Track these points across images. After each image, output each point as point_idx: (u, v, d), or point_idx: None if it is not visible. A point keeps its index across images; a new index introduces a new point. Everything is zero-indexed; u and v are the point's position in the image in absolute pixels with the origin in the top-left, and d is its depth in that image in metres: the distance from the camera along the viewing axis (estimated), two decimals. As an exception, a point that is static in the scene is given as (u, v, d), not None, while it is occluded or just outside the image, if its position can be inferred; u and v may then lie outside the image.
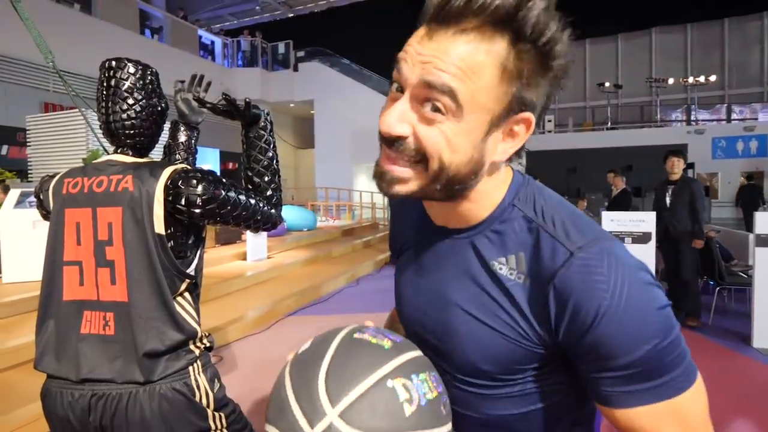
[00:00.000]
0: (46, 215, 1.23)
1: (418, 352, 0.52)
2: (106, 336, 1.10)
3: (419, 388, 0.47)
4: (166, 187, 1.09)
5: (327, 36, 18.24)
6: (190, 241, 1.19)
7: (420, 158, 0.49)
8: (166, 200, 1.09)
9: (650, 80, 16.84)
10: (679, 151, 4.33)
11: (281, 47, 14.99)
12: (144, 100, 1.16)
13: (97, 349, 1.10)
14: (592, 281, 0.48)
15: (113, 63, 1.16)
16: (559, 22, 0.47)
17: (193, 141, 1.49)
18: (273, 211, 1.28)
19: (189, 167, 1.14)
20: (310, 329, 4.18)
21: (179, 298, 1.16)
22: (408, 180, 0.51)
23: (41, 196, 1.23)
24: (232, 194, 1.14)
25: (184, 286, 1.15)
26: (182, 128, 1.47)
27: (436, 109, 0.47)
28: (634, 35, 20.12)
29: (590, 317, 0.47)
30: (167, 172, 1.10)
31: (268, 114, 1.32)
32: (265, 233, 6.51)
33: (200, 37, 13.46)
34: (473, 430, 0.61)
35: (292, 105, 15.39)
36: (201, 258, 1.25)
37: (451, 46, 0.46)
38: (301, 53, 15.11)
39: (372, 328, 0.56)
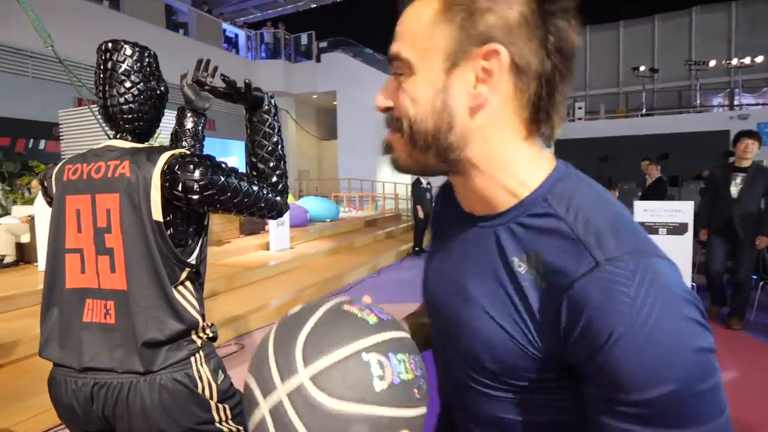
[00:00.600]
0: (50, 202, 1.21)
1: (403, 334, 0.52)
2: (107, 325, 1.08)
3: (395, 367, 0.47)
4: (163, 173, 1.04)
5: (349, 26, 18.11)
6: (190, 229, 1.15)
7: (399, 125, 0.51)
8: (163, 186, 1.05)
9: (689, 63, 15.98)
10: (755, 132, 3.73)
11: (304, 38, 14.97)
12: (142, 83, 1.12)
13: (99, 338, 1.08)
14: (613, 298, 0.41)
15: (109, 45, 1.12)
16: None
17: (200, 128, 1.45)
18: (278, 198, 1.23)
19: (187, 152, 1.10)
20: (331, 319, 4.18)
21: (180, 287, 1.12)
22: (396, 148, 0.53)
23: (45, 183, 1.21)
24: (232, 180, 1.09)
25: (184, 275, 1.11)
26: (189, 114, 1.43)
27: (398, 75, 0.51)
28: (671, 15, 19.06)
29: (602, 338, 0.41)
30: (164, 157, 1.06)
31: (272, 97, 1.26)
32: (287, 223, 6.57)
33: (224, 30, 13.60)
34: (479, 429, 0.58)
35: (314, 96, 15.39)
36: (204, 247, 1.21)
37: (402, 17, 0.51)
38: (323, 44, 15.05)
39: (362, 302, 0.56)
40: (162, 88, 1.19)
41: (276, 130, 1.25)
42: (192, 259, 1.14)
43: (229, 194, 1.09)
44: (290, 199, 9.25)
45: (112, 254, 1.07)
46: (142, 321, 1.05)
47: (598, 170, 11.97)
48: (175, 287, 1.11)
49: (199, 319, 1.14)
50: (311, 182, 15.89)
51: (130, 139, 1.15)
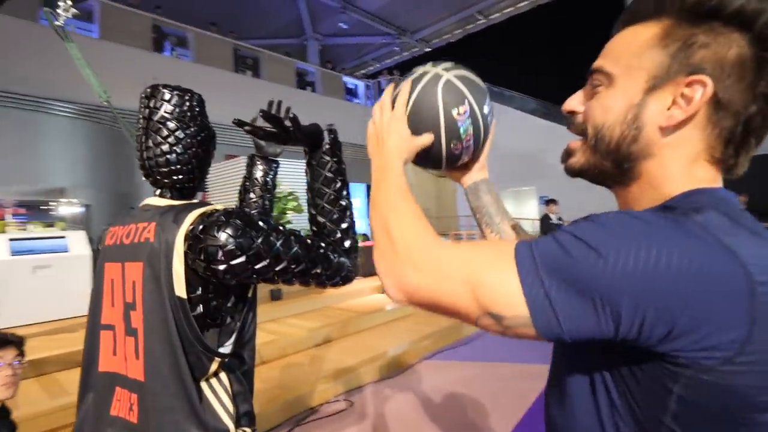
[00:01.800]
0: None
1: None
2: (129, 423, 0.86)
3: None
4: (186, 237, 0.82)
5: (464, 63, 18.11)
6: (228, 305, 0.89)
7: (584, 128, 0.57)
8: (186, 253, 0.81)
9: None
10: None
11: (419, 80, 15.26)
12: (180, 131, 0.94)
13: None
14: None
15: (148, 91, 0.96)
16: None
17: (269, 177, 1.24)
18: (343, 259, 0.93)
19: (218, 209, 0.86)
20: (447, 378, 3.69)
21: (211, 382, 0.86)
22: (575, 151, 0.59)
23: (99, 247, 1.08)
24: (272, 242, 0.82)
25: (214, 366, 0.85)
26: (258, 162, 1.23)
27: (596, 86, 0.56)
28: None
29: None
30: (192, 216, 0.84)
31: (332, 133, 0.99)
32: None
33: (345, 83, 14.59)
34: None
35: (432, 135, 15.42)
36: (249, 325, 0.94)
37: (614, 38, 0.56)
38: (438, 83, 15.15)
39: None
40: (204, 134, 0.98)
41: (339, 175, 0.97)
42: (227, 346, 0.88)
43: (267, 261, 0.81)
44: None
45: (137, 336, 0.87)
46: (159, 427, 0.80)
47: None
48: (205, 381, 0.85)
49: (231, 426, 0.85)
50: (431, 220, 15.64)
51: (169, 195, 0.96)
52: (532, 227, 11.44)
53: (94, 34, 9.36)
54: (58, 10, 0.86)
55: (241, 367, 0.93)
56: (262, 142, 1.22)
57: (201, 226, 0.81)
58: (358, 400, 3.36)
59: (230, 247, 0.79)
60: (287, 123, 0.89)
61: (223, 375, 0.88)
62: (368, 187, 11.80)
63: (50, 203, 6.61)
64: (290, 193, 6.14)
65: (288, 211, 5.77)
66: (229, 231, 0.79)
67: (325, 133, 0.99)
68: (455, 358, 4.21)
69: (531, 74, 23.19)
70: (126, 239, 0.92)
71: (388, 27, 16.25)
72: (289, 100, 1.24)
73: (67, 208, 6.72)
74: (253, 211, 0.86)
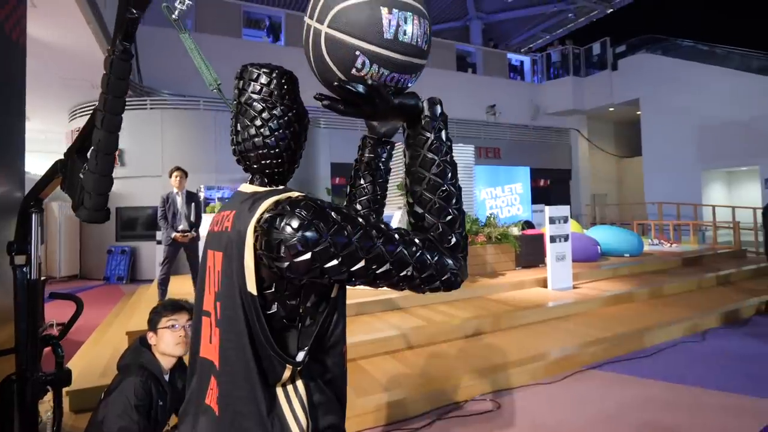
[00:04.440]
0: None
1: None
2: (215, 416, 0.82)
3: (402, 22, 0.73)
4: (255, 228, 0.73)
5: (656, 21, 15.20)
6: (308, 304, 0.77)
7: None
8: (255, 246, 0.72)
9: None
10: None
11: (596, 48, 13.37)
12: (266, 111, 0.86)
13: (208, 429, 0.83)
14: None
15: (238, 72, 0.91)
16: None
17: (380, 161, 1.09)
18: (448, 260, 0.75)
19: (291, 196, 0.75)
20: (619, 395, 3.09)
21: (288, 388, 0.76)
22: None
23: None
24: (345, 237, 0.68)
25: (287, 373, 0.74)
26: (370, 144, 1.10)
27: None
28: None
29: None
30: (265, 204, 0.74)
31: (436, 104, 0.79)
32: (569, 257, 5.62)
33: (510, 60, 13.69)
34: None
35: (611, 109, 13.40)
36: (335, 326, 0.81)
37: None
38: (620, 48, 13.01)
39: None
40: (291, 113, 0.89)
41: (441, 155, 0.78)
42: (302, 352, 0.76)
43: (339, 260, 0.66)
44: (576, 228, 8.10)
45: (222, 329, 0.82)
46: (231, 429, 0.74)
47: None
48: (280, 387, 0.75)
49: None
50: (609, 208, 13.76)
51: (258, 182, 0.90)
52: (753, 216, 8.97)
53: (281, 42, 10.74)
54: (175, 3, 0.92)
55: (323, 375, 0.81)
56: (375, 123, 1.08)
57: (268, 216, 0.72)
58: (506, 403, 3.06)
59: (293, 242, 0.66)
60: (359, 89, 0.72)
61: (300, 383, 0.77)
62: (532, 171, 10.92)
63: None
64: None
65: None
66: (292, 223, 0.67)
67: (425, 104, 0.79)
68: (632, 372, 3.50)
69: (755, 21, 18.06)
70: (216, 227, 0.89)
71: (560, -9, 14.61)
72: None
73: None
74: (325, 202, 0.73)
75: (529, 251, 6.87)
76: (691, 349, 4.04)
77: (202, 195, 7.54)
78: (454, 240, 0.78)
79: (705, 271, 6.75)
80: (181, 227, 4.78)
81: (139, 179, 8.38)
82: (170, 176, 4.86)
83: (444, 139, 0.80)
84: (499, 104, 12.22)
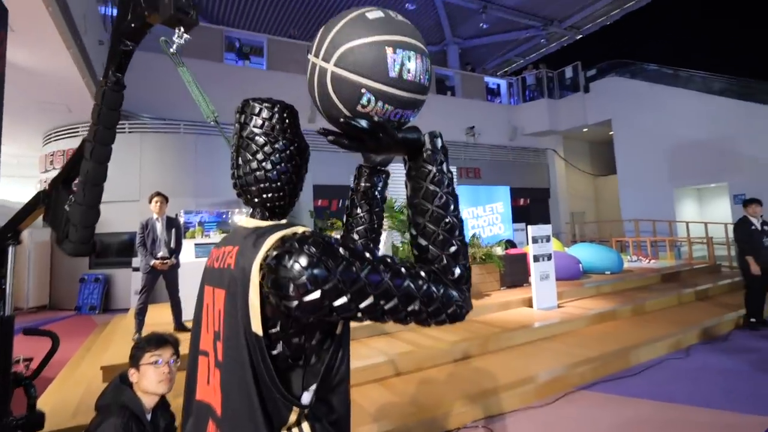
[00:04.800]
0: None
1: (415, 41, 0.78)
2: None
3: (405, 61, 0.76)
4: (261, 265, 0.71)
5: (623, 46, 15.99)
6: (313, 342, 0.74)
7: None
8: (261, 284, 0.70)
9: None
10: None
11: (568, 71, 13.90)
12: (268, 145, 0.86)
13: None
14: None
15: (239, 106, 0.91)
16: None
17: (376, 190, 1.09)
18: (453, 292, 0.74)
19: (297, 231, 0.74)
20: (609, 416, 3.08)
21: (294, 431, 0.72)
22: None
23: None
24: (354, 273, 0.67)
25: (294, 416, 0.71)
26: (365, 173, 1.09)
27: None
28: None
29: None
30: (270, 240, 0.73)
31: (436, 137, 0.80)
32: (552, 276, 5.67)
33: (487, 83, 14.07)
34: None
35: (585, 130, 13.85)
36: (339, 365, 0.78)
37: None
38: (591, 72, 13.56)
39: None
40: (293, 147, 0.88)
41: (444, 187, 0.78)
42: (308, 394, 0.73)
43: (348, 297, 0.64)
44: (558, 247, 8.23)
45: (222, 371, 0.78)
46: None
47: None
48: (285, 431, 0.72)
49: None
50: (587, 226, 14.05)
51: (259, 216, 0.89)
52: (725, 232, 9.29)
53: (262, 66, 10.80)
54: (173, 38, 0.90)
55: (329, 416, 0.77)
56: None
57: (275, 253, 0.69)
58: (499, 429, 3.01)
59: (302, 280, 0.64)
60: (365, 125, 0.73)
61: (306, 426, 0.74)
62: (512, 190, 11.11)
63: (228, 213, 7.76)
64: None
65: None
66: (301, 261, 0.66)
67: (426, 137, 0.79)
68: (621, 392, 3.51)
69: (714, 48, 19.16)
70: (217, 263, 0.87)
71: (532, 19, 15.20)
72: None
73: (239, 216, 7.79)
74: (332, 237, 0.71)
75: (513, 271, 6.91)
76: (677, 365, 4.08)
77: (182, 220, 7.37)
78: (458, 272, 0.78)
79: (683, 287, 6.91)
80: (160, 254, 4.64)
81: (115, 204, 8.16)
82: (150, 202, 4.74)
83: (446, 171, 0.81)
84: (477, 126, 12.49)
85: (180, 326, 4.73)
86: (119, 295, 8.36)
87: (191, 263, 5.21)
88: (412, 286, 0.71)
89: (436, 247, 0.77)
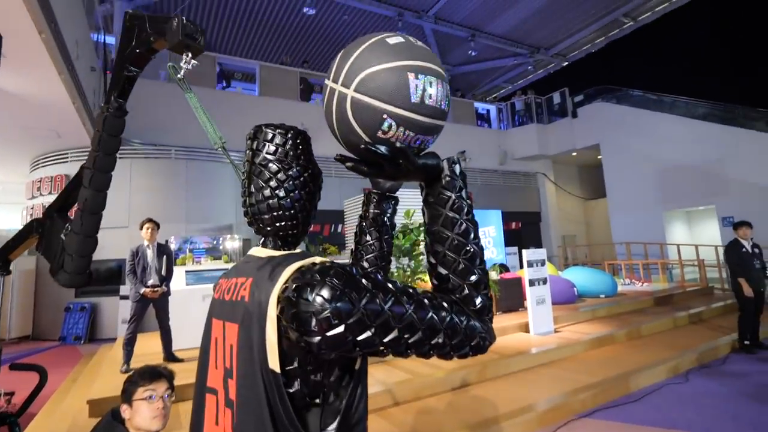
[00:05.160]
0: None
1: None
2: None
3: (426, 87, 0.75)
4: (279, 298, 0.67)
5: (609, 73, 16.50)
6: (332, 379, 0.70)
7: None
8: (278, 317, 0.66)
9: None
10: None
11: (556, 97, 14.25)
12: (281, 172, 0.84)
13: None
14: None
15: (252, 132, 0.89)
16: None
17: (385, 216, 1.07)
18: (475, 323, 0.72)
19: (317, 262, 0.70)
20: (616, 447, 3.00)
21: None
22: None
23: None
24: (378, 306, 0.64)
25: None
26: (375, 200, 1.07)
27: None
28: None
29: None
30: (288, 272, 0.70)
31: (455, 163, 0.78)
32: (548, 300, 5.64)
33: (476, 109, 14.33)
34: None
35: (574, 154, 14.09)
36: (357, 403, 0.74)
37: None
38: (579, 98, 13.91)
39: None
40: (307, 174, 0.86)
41: (464, 213, 0.76)
42: (331, 431, 0.68)
43: (372, 331, 0.61)
44: (552, 270, 8.21)
45: (233, 410, 0.74)
46: None
47: None
48: None
49: None
50: (579, 249, 14.12)
51: (271, 245, 0.85)
52: (716, 254, 9.38)
53: (254, 92, 10.91)
54: (181, 63, 0.89)
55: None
56: (380, 179, 1.07)
57: (294, 286, 0.66)
58: (502, 461, 2.91)
59: (325, 314, 0.61)
60: (385, 151, 0.71)
61: None
62: (503, 214, 11.17)
63: (219, 239, 7.66)
64: (422, 224, 6.03)
65: (420, 243, 5.64)
66: (324, 294, 0.62)
67: (444, 163, 0.77)
68: (623, 419, 3.44)
69: (696, 75, 19.83)
70: (227, 295, 0.82)
71: (519, 47, 15.65)
72: None
73: (231, 243, 7.69)
74: (354, 267, 0.68)
75: (509, 295, 6.87)
76: (677, 390, 4.03)
77: (173, 246, 7.26)
78: (480, 302, 0.75)
79: (677, 310, 6.91)
80: (151, 282, 4.53)
81: (104, 230, 7.98)
82: (141, 228, 4.66)
83: (465, 197, 0.79)
84: (468, 150, 12.64)
85: (170, 356, 4.58)
86: (106, 324, 8.12)
87: (182, 291, 5.10)
88: (435, 318, 0.68)
89: (457, 276, 0.74)
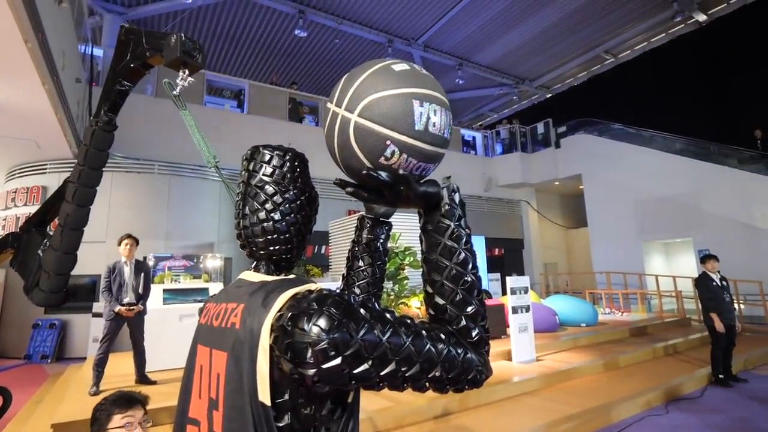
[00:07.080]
0: None
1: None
2: None
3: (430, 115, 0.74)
4: (273, 327, 0.64)
5: (591, 105, 17.08)
6: (323, 412, 0.67)
7: None
8: (271, 347, 0.63)
9: None
10: None
11: (540, 127, 14.65)
12: (278, 195, 0.82)
13: None
14: None
15: (248, 152, 0.87)
16: None
17: (379, 242, 1.06)
18: (472, 356, 0.71)
19: (312, 289, 0.68)
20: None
21: None
22: None
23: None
24: (376, 338, 0.62)
25: None
26: (368, 225, 1.06)
27: None
28: None
29: None
30: (282, 299, 0.67)
31: (455, 192, 0.77)
32: (531, 328, 5.63)
33: (463, 135, 14.60)
34: None
35: (556, 183, 14.40)
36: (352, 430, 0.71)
37: None
38: (562, 129, 14.32)
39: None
40: (304, 197, 0.85)
41: (463, 243, 0.74)
42: None
43: (369, 363, 0.59)
44: (534, 298, 8.24)
45: None
46: None
47: None
48: None
49: None
50: (560, 277, 14.25)
51: (264, 270, 0.83)
52: (693, 287, 9.55)
53: (243, 110, 10.92)
54: (177, 80, 0.88)
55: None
56: (374, 204, 1.06)
57: (290, 314, 0.63)
58: (484, 495, 2.84)
59: (322, 345, 0.58)
60: (387, 178, 0.70)
61: None
62: (486, 240, 11.25)
63: (200, 257, 7.49)
64: (407, 248, 6.02)
65: (404, 267, 5.62)
66: (321, 324, 0.60)
67: (444, 191, 0.77)
68: (606, 453, 3.41)
69: (673, 111, 20.69)
70: (215, 321, 0.79)
71: (505, 78, 16.13)
72: None
73: (212, 261, 7.53)
74: (351, 295, 0.66)
75: (491, 323, 6.84)
76: (658, 422, 4.02)
77: (151, 263, 7.06)
78: (476, 334, 0.73)
79: (656, 341, 6.98)
80: (126, 300, 4.38)
81: (80, 245, 7.80)
82: (120, 244, 4.53)
83: (464, 227, 0.78)
84: (454, 176, 12.80)
85: (143, 378, 4.40)
86: (76, 343, 7.79)
87: (158, 310, 4.94)
88: (433, 350, 0.66)
89: (455, 306, 0.72)
